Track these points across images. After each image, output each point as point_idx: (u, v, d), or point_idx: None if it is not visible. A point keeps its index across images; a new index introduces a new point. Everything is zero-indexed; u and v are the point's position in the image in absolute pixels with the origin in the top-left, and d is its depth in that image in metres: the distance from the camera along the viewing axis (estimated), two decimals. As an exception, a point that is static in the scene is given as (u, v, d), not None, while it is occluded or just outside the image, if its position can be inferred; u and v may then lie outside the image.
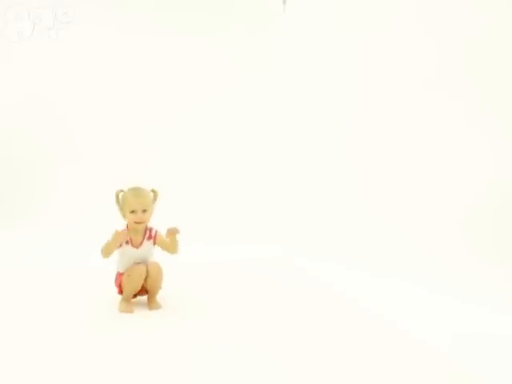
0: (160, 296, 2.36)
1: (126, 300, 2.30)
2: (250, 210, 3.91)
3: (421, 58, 3.18)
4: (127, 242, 2.30)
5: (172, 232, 2.31)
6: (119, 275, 2.35)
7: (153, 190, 2.35)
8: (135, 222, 2.28)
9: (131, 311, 2.24)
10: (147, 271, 2.29)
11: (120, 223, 2.34)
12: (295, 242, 3.56)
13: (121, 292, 2.34)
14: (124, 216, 2.31)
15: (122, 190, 2.32)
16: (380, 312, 2.29)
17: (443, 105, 3.07)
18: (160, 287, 2.35)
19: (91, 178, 3.85)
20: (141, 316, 2.20)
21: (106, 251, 2.27)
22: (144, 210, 2.28)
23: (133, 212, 2.27)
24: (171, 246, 2.35)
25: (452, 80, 3.01)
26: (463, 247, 2.87)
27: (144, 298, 2.36)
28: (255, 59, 4.17)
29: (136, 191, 2.29)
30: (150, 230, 2.35)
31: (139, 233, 2.32)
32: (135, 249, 2.31)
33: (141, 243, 2.32)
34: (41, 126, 4.01)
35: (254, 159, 4.12)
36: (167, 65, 4.05)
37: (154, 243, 2.36)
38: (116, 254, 2.32)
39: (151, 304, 2.31)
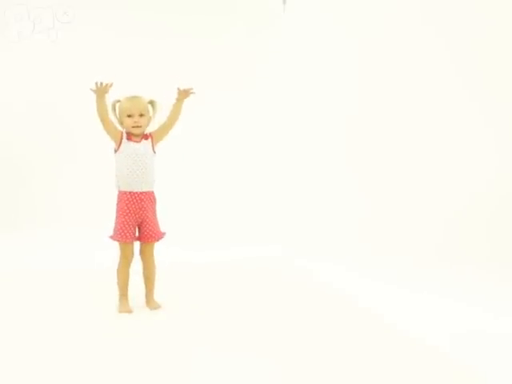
0: (160, 295, 2.36)
1: (123, 294, 2.28)
2: (250, 211, 3.91)
3: (420, 60, 3.18)
4: (127, 138, 2.27)
5: (184, 92, 2.35)
6: (120, 196, 2.28)
7: (151, 101, 2.32)
8: (133, 127, 2.25)
9: (130, 311, 2.24)
10: (143, 261, 2.29)
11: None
12: (295, 241, 3.56)
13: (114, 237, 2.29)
14: (121, 123, 2.28)
15: (118, 100, 2.29)
16: (379, 312, 2.28)
17: (442, 106, 3.07)
18: (155, 273, 2.33)
19: (92, 179, 3.85)
20: (140, 316, 2.20)
21: (101, 91, 2.22)
22: (141, 114, 2.25)
23: (129, 116, 2.25)
24: (173, 114, 2.36)
25: (451, 81, 3.01)
26: (462, 248, 2.87)
27: (143, 299, 2.35)
28: (255, 59, 4.18)
29: (132, 96, 2.28)
30: (146, 133, 2.32)
31: (137, 137, 2.29)
32: (135, 144, 2.26)
33: (139, 141, 2.29)
34: (41, 126, 4.01)
35: (254, 160, 4.12)
36: (167, 66, 4.05)
37: (152, 141, 2.31)
38: (116, 164, 2.29)
39: (150, 304, 2.31)
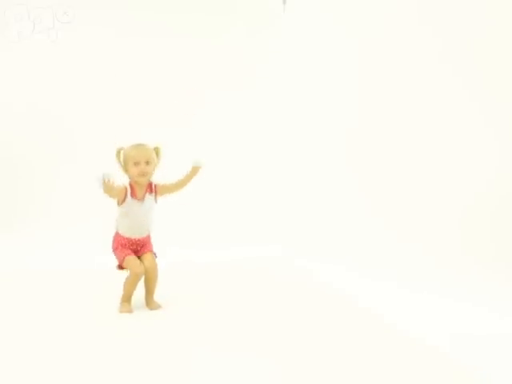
0: (160, 295, 2.36)
1: (126, 301, 2.29)
2: (251, 211, 3.91)
3: (420, 59, 3.18)
4: (131, 195, 2.27)
5: (197, 169, 2.42)
6: (117, 236, 2.33)
7: (155, 148, 2.34)
8: (139, 175, 2.25)
9: (130, 311, 2.24)
10: (145, 268, 2.30)
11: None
12: (295, 242, 3.56)
13: (120, 264, 2.31)
14: (127, 171, 2.28)
15: (122, 148, 2.30)
16: (379, 312, 2.29)
17: (442, 105, 3.07)
18: (156, 280, 2.34)
19: (91, 179, 3.84)
20: (141, 316, 2.20)
21: (107, 187, 2.16)
22: (147, 162, 2.26)
23: (136, 164, 2.25)
24: (181, 182, 2.39)
25: (451, 80, 3.01)
26: (462, 248, 2.87)
27: (143, 300, 2.36)
28: (255, 59, 4.17)
29: (137, 144, 2.29)
30: (151, 184, 2.33)
31: (143, 188, 2.30)
32: (139, 202, 2.28)
33: (143, 197, 2.30)
34: (41, 126, 4.00)
35: (254, 160, 4.12)
36: (167, 66, 4.05)
37: (156, 195, 2.34)
38: (117, 213, 2.31)
39: (150, 304, 2.31)
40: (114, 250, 2.34)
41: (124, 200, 2.27)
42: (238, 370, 1.68)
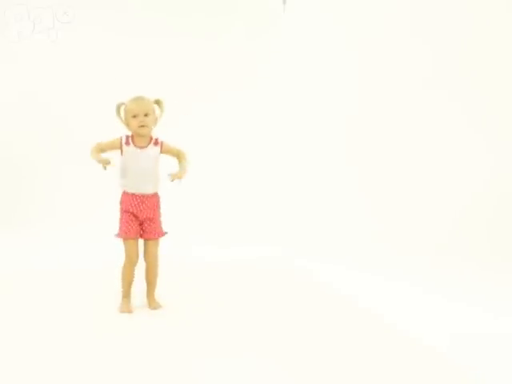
0: (161, 295, 2.36)
1: (126, 296, 2.28)
2: (251, 212, 3.91)
3: (419, 60, 3.19)
4: (128, 143, 2.24)
5: (177, 176, 2.25)
6: (123, 196, 2.28)
7: (157, 100, 2.30)
8: (139, 127, 2.21)
9: (130, 311, 2.24)
10: (146, 261, 2.28)
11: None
12: (295, 242, 3.56)
13: (119, 237, 2.27)
14: (127, 125, 2.25)
15: (122, 103, 2.26)
16: (379, 312, 2.29)
17: (441, 106, 3.08)
18: (157, 275, 2.32)
19: (92, 178, 3.83)
20: (141, 316, 2.20)
21: (95, 149, 2.19)
22: (146, 114, 2.23)
23: (135, 117, 2.21)
24: (180, 168, 2.30)
25: (450, 81, 3.02)
26: (462, 248, 2.87)
27: (144, 299, 2.35)
28: (255, 59, 4.18)
29: (136, 97, 2.25)
30: (156, 138, 2.30)
31: (145, 139, 2.26)
32: (139, 150, 2.24)
33: (146, 146, 2.26)
34: (41, 126, 4.01)
35: (254, 160, 4.12)
36: (168, 66, 4.06)
37: (161, 150, 2.30)
38: (118, 166, 2.25)
39: (151, 303, 2.31)
40: (120, 217, 2.29)
41: (121, 150, 2.24)
42: (238, 369, 1.68)
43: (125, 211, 2.27)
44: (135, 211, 2.27)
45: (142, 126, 2.22)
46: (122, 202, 2.29)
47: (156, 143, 2.28)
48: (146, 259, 2.31)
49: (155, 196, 2.32)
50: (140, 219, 2.28)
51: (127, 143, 2.25)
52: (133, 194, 2.27)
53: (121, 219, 2.29)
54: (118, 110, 2.27)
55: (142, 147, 2.25)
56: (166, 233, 2.35)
